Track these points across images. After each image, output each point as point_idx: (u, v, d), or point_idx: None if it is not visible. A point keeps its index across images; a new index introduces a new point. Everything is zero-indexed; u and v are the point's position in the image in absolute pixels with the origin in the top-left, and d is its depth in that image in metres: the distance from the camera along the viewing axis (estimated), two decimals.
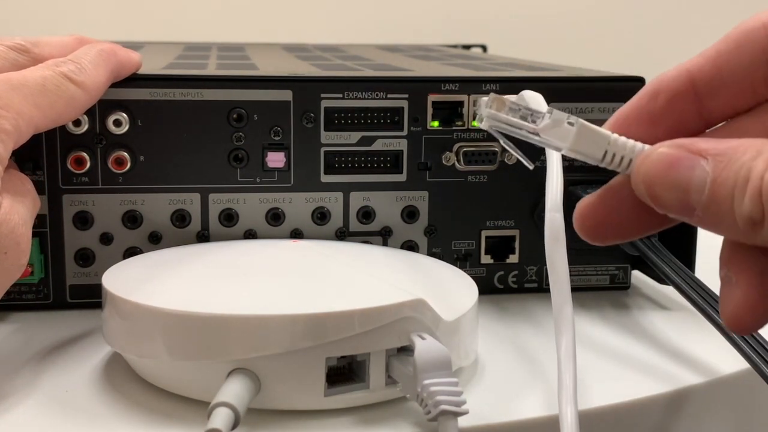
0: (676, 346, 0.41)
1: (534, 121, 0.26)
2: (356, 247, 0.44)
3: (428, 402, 0.31)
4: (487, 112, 0.27)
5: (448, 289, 0.38)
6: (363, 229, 0.46)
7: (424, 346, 0.32)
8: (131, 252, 0.44)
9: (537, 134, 0.26)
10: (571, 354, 0.32)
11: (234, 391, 0.30)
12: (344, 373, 0.33)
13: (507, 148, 0.28)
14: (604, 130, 0.26)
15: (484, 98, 0.27)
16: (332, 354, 0.32)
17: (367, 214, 0.46)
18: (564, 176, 0.46)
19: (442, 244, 0.47)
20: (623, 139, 0.26)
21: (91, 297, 0.44)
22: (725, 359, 0.38)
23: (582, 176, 0.46)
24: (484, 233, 0.47)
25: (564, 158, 0.46)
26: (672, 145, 0.25)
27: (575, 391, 0.31)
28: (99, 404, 0.34)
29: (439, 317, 0.34)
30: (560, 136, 0.26)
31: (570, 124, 0.26)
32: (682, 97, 0.26)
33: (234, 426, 0.29)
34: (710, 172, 0.23)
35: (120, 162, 0.43)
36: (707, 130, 0.27)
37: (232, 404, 0.29)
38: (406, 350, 0.33)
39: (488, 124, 0.27)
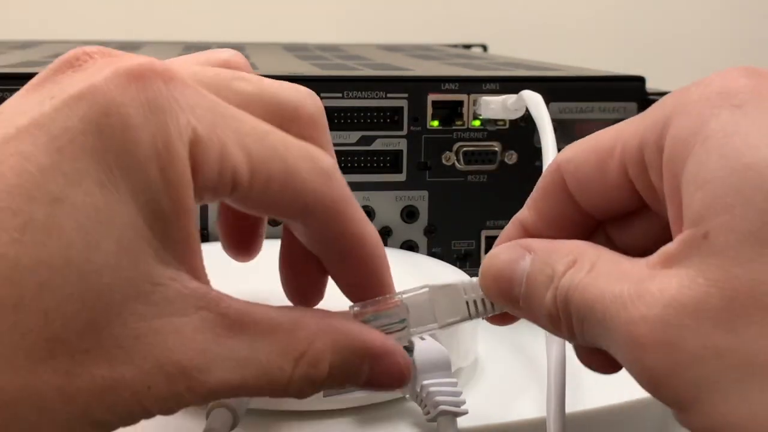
0: None
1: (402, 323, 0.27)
2: None
3: (427, 402, 0.31)
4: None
5: None
6: None
7: (424, 347, 0.32)
8: None
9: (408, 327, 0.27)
10: (560, 362, 0.32)
11: None
12: None
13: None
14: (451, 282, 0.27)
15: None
16: None
17: (366, 214, 0.45)
18: None
19: (442, 243, 0.46)
20: (473, 280, 0.27)
21: None
22: None
23: None
24: (484, 233, 0.47)
25: None
26: (509, 243, 0.26)
27: (563, 401, 0.31)
28: None
29: None
30: (425, 314, 0.27)
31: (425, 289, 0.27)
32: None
33: (232, 426, 0.29)
34: (528, 267, 0.25)
35: None
36: None
37: (230, 404, 0.29)
38: (406, 350, 0.33)
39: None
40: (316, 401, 0.32)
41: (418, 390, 0.31)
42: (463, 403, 0.31)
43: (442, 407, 0.30)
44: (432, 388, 0.31)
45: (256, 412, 0.32)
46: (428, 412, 0.31)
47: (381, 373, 0.26)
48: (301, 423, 0.32)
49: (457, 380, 0.32)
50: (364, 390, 0.26)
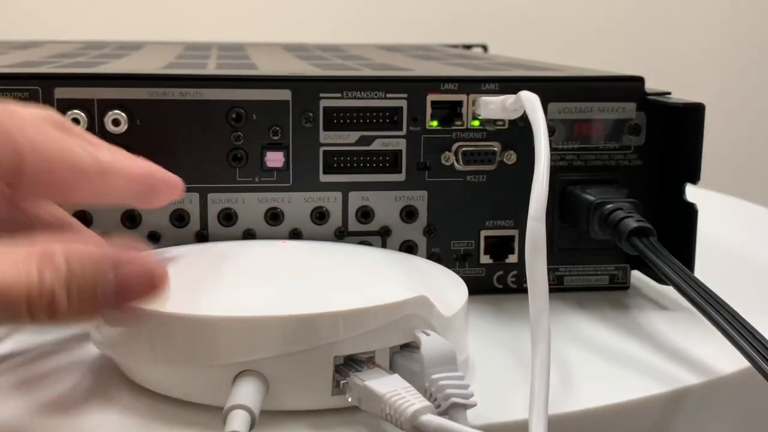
0: (675, 346, 0.41)
1: None
2: (347, 247, 0.44)
3: (438, 396, 0.31)
4: None
5: (440, 286, 0.38)
6: (362, 228, 0.46)
7: (430, 342, 0.32)
8: None
9: None
10: (545, 367, 0.32)
11: (247, 393, 0.30)
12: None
13: None
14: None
15: None
16: (340, 353, 0.32)
17: (366, 214, 0.46)
18: (563, 176, 0.46)
19: (442, 243, 0.46)
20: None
21: None
22: (725, 359, 0.38)
23: (581, 176, 0.46)
24: (484, 233, 0.47)
25: (561, 158, 0.46)
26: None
27: (546, 404, 0.31)
28: (97, 407, 0.34)
29: (441, 314, 0.34)
30: None
31: None
32: None
33: (251, 428, 0.29)
34: None
35: None
36: None
37: (247, 406, 0.29)
38: (409, 347, 0.33)
39: None
40: (324, 400, 0.32)
41: (427, 384, 0.31)
42: (472, 395, 0.31)
43: (454, 399, 0.30)
44: (442, 382, 0.31)
45: (264, 413, 0.32)
46: (439, 405, 0.31)
47: (128, 276, 0.30)
48: (309, 422, 0.32)
49: (464, 374, 0.32)
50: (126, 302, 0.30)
